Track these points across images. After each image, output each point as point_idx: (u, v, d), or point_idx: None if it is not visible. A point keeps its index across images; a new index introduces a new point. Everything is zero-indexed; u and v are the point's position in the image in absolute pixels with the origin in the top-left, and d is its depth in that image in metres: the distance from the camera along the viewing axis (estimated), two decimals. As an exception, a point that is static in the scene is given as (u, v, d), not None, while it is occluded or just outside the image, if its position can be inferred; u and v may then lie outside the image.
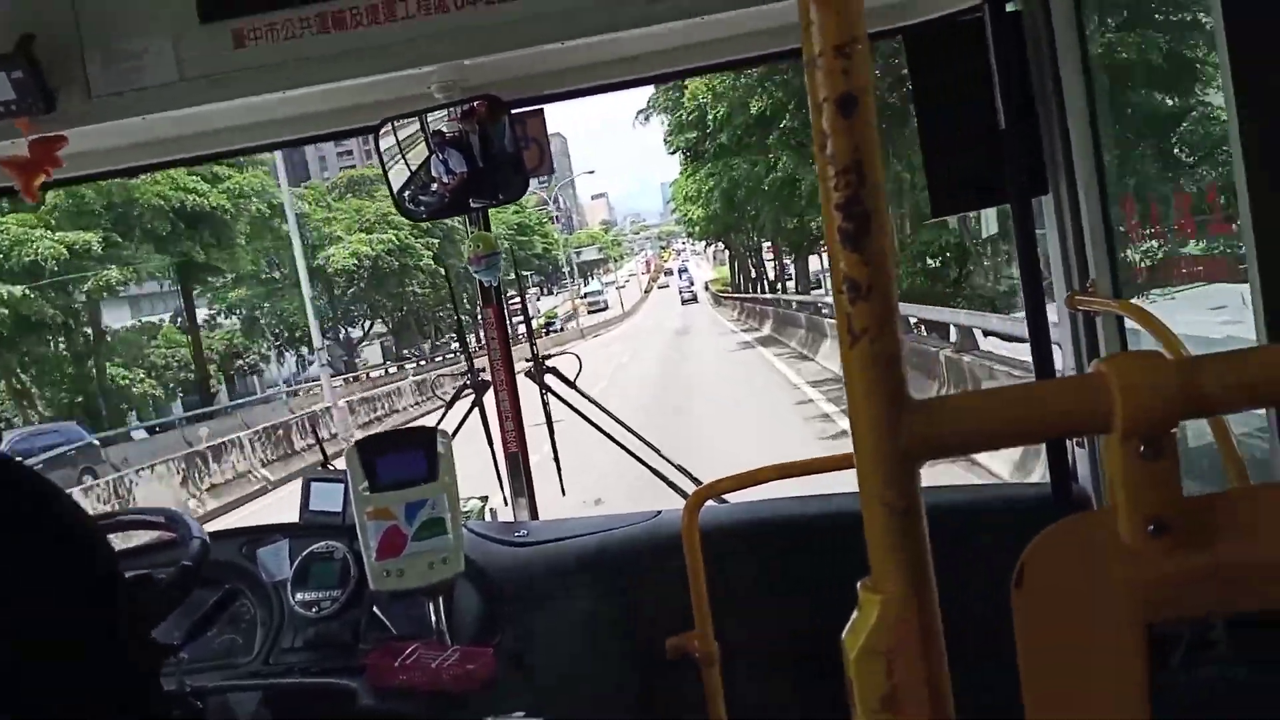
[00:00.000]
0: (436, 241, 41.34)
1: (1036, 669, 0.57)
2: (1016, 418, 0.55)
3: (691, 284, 75.58)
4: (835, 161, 0.53)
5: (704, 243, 65.26)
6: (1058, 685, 0.57)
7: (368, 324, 47.54)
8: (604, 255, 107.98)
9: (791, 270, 43.71)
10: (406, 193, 2.38)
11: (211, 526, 2.08)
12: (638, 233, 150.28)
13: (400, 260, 41.22)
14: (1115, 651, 0.56)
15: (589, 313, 65.02)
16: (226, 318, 38.89)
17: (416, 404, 27.08)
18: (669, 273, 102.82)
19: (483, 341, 2.71)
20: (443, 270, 40.02)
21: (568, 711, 1.85)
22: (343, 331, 46.50)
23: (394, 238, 40.51)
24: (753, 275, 54.17)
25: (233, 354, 38.08)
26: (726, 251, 61.20)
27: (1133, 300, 1.94)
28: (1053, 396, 0.57)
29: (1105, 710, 0.56)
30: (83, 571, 1.06)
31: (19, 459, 1.08)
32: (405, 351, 51.30)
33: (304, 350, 39.62)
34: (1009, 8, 1.90)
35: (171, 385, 33.41)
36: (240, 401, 35.00)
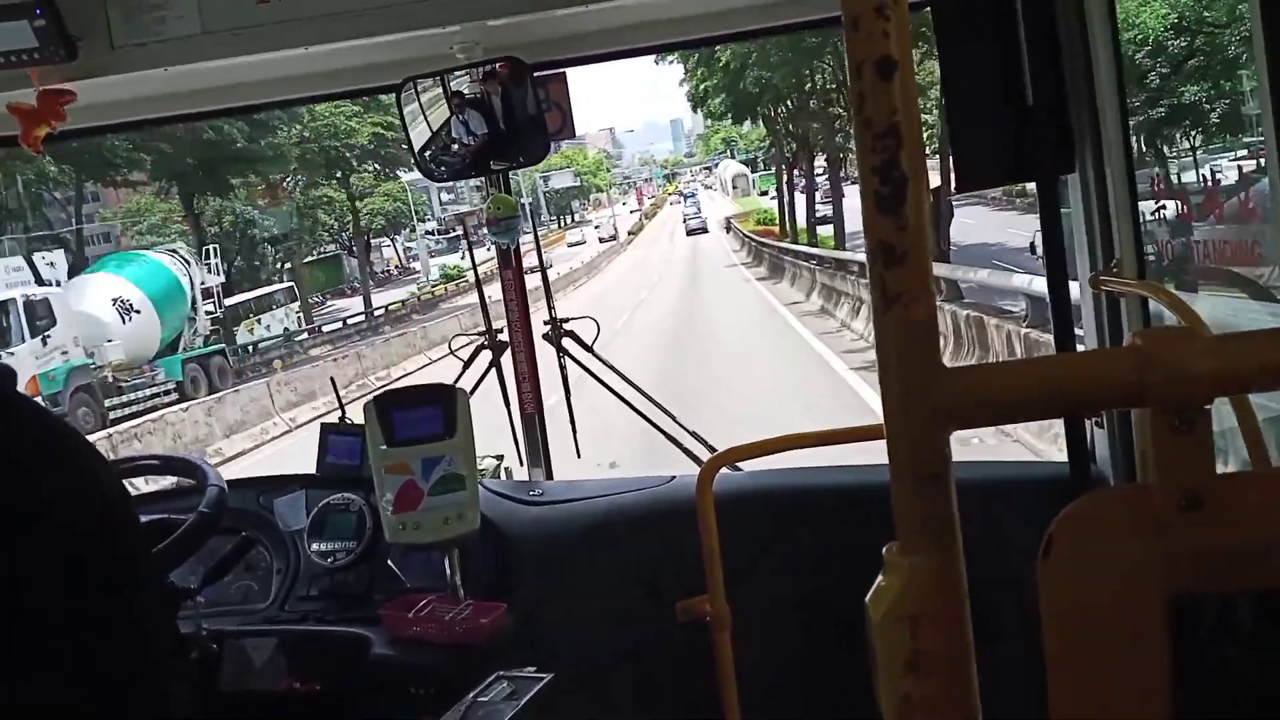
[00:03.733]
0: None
1: (1060, 638, 0.57)
2: (1050, 388, 0.55)
3: (699, 212, 65.79)
4: (873, 125, 0.53)
5: (732, 153, 50.70)
6: (1081, 654, 0.57)
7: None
8: (581, 182, 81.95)
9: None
10: (428, 153, 2.38)
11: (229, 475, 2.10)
12: (645, 164, 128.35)
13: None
14: (1140, 622, 0.56)
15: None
16: None
17: None
18: (680, 194, 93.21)
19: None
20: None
21: (577, 669, 1.87)
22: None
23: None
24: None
25: None
26: (773, 168, 39.72)
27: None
28: (1088, 368, 0.57)
29: (1127, 678, 0.57)
30: (90, 507, 1.06)
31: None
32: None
33: None
34: None
35: None
36: None
